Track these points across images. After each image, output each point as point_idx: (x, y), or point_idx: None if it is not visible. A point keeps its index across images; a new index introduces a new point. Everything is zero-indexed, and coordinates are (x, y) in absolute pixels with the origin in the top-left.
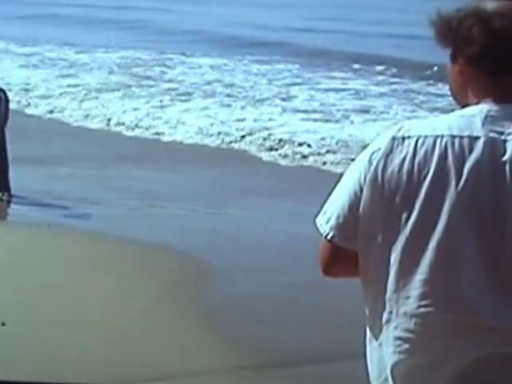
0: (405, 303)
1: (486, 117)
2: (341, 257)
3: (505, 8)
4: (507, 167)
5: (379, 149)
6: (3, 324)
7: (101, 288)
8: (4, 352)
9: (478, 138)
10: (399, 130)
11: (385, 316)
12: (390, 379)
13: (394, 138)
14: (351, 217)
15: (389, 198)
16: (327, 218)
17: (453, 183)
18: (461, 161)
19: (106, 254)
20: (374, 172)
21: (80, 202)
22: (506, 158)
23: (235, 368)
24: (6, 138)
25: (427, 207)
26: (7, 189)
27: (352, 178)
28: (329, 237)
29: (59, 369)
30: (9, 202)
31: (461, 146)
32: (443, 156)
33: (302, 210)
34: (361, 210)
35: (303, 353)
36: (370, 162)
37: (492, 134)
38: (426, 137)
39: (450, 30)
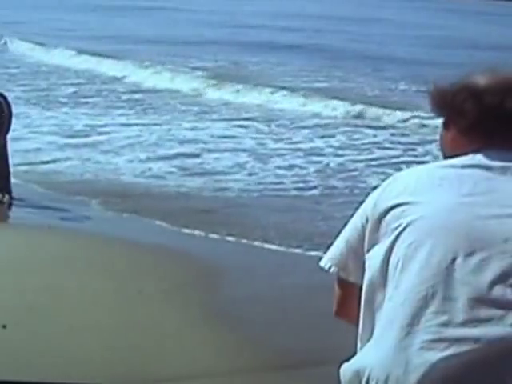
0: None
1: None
2: (349, 293)
3: (496, 83)
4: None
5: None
6: (4, 326)
7: (101, 289)
8: (5, 353)
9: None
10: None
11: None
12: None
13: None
14: (347, 248)
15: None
16: (328, 252)
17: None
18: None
19: (106, 255)
20: (372, 209)
21: (80, 203)
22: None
23: (236, 370)
24: (7, 142)
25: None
26: (8, 191)
27: (355, 219)
28: (326, 267)
29: (59, 370)
30: (10, 204)
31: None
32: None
33: None
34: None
35: (306, 355)
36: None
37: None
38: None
39: (445, 103)
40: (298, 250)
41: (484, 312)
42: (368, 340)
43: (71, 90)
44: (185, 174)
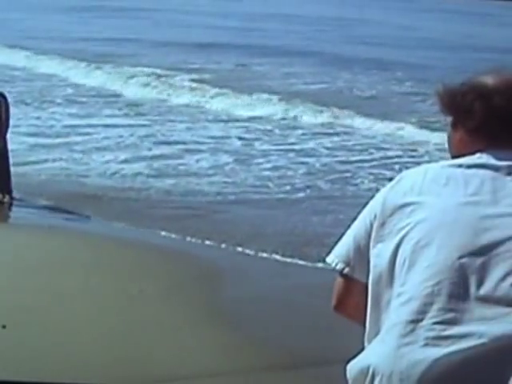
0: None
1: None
2: (352, 289)
3: (504, 84)
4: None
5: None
6: (4, 326)
7: (101, 289)
8: (5, 354)
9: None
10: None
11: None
12: None
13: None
14: (354, 245)
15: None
16: (335, 250)
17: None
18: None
19: (107, 255)
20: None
21: (81, 203)
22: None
23: (236, 370)
24: (7, 142)
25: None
26: (9, 191)
27: (360, 218)
28: (333, 264)
29: (59, 370)
30: (10, 204)
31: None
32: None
33: None
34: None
35: (308, 355)
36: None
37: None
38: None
39: (454, 103)
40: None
41: (489, 310)
42: (375, 338)
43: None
44: (158, 175)
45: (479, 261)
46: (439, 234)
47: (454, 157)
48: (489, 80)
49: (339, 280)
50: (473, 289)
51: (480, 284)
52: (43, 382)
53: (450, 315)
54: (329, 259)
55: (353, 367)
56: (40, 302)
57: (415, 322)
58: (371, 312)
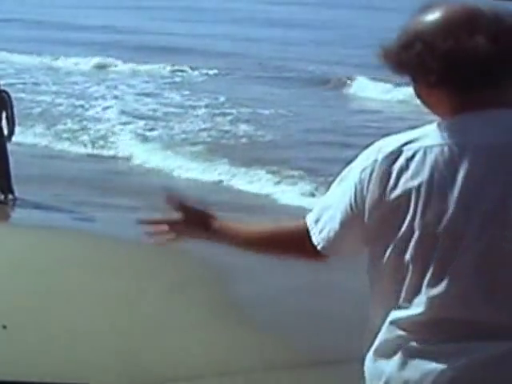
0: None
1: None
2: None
3: (447, 23)
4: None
5: (367, 166)
6: (4, 327)
7: (103, 289)
8: (5, 353)
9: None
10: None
11: None
12: None
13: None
14: (342, 233)
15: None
16: (320, 229)
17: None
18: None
19: (109, 256)
20: (368, 187)
21: (83, 204)
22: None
23: (241, 370)
24: (6, 141)
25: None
26: (11, 191)
27: (344, 194)
28: (319, 247)
29: (60, 370)
30: (12, 204)
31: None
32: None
33: None
34: (365, 220)
35: (310, 355)
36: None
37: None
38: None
39: (401, 62)
40: None
41: (499, 325)
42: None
43: None
44: None
45: (482, 271)
46: (431, 237)
47: (432, 112)
48: (427, 21)
49: (308, 243)
50: (480, 304)
51: (487, 299)
52: (43, 382)
53: (459, 331)
54: (315, 240)
55: (369, 367)
56: (41, 303)
57: (423, 337)
58: (377, 307)
